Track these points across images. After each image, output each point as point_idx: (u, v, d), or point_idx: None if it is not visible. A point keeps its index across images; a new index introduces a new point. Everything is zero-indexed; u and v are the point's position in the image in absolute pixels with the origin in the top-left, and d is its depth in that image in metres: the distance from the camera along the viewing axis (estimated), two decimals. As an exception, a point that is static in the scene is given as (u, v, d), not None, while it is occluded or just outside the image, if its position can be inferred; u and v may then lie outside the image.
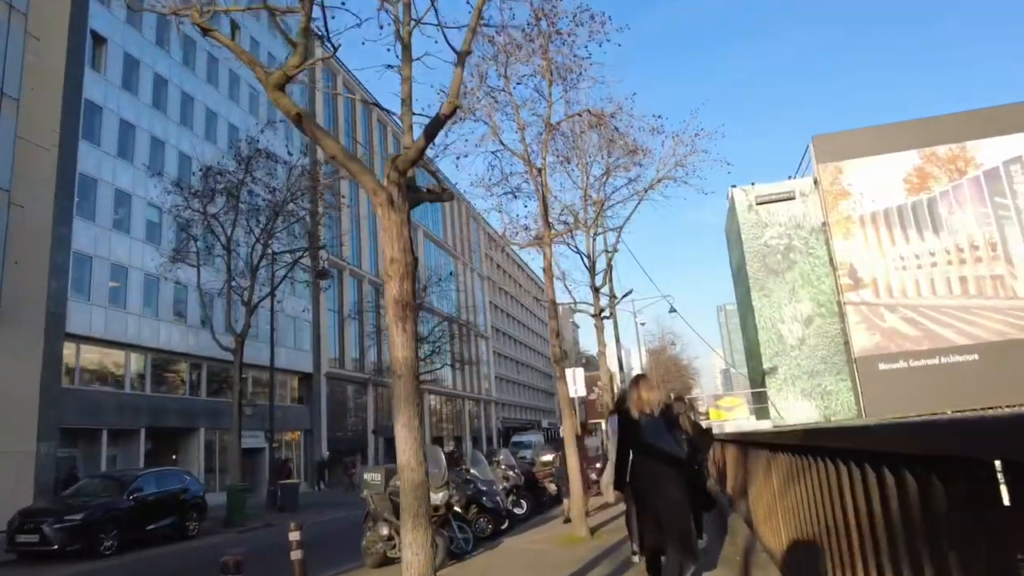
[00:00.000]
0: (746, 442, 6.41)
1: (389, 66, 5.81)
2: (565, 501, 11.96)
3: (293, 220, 24.63)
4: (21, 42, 23.77)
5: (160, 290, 29.22)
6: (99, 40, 28.15)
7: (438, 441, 55.24)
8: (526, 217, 15.22)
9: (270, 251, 24.45)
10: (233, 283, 23.62)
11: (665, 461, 5.12)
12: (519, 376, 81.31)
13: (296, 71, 4.27)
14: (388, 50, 5.15)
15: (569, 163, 17.48)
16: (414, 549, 4.14)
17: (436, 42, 5.48)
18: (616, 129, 12.82)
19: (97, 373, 26.95)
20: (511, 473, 14.71)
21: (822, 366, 29.15)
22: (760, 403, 30.20)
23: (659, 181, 17.56)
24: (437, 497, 9.12)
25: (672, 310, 36.67)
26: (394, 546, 9.25)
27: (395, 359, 4.37)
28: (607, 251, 18.99)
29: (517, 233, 13.11)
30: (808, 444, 3.16)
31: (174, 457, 30.27)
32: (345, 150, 4.46)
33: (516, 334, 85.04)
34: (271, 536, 15.68)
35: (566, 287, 18.30)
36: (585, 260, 17.90)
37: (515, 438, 53.15)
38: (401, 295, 4.39)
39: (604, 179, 17.75)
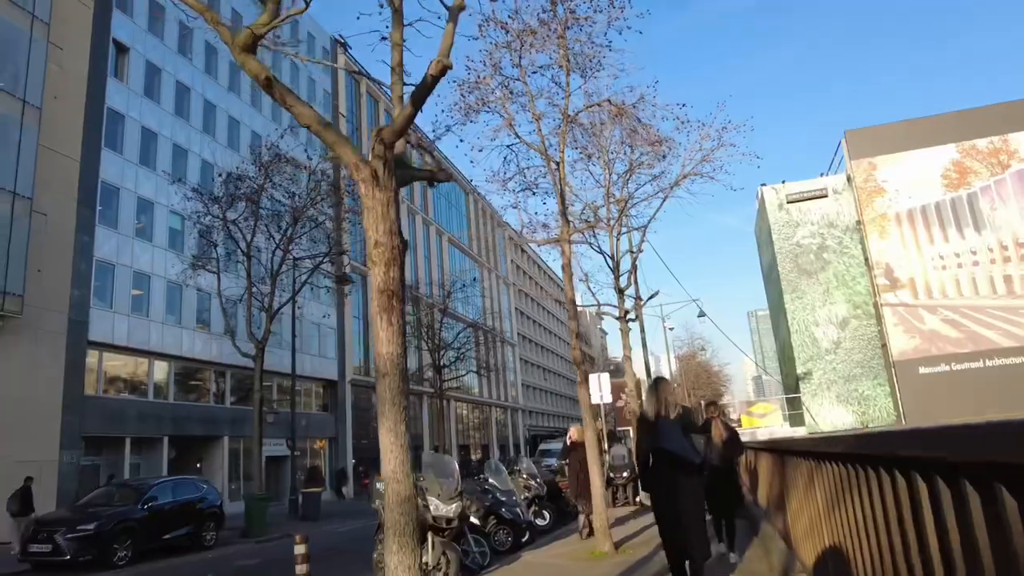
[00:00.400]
0: (783, 450, 5.72)
1: (383, 38, 5.30)
2: (581, 517, 11.21)
3: (313, 225, 24.32)
4: (44, 52, 23.89)
5: (183, 298, 29.18)
6: (122, 48, 28.27)
7: (464, 449, 54.77)
8: (545, 215, 14.67)
9: (290, 257, 24.17)
10: (254, 290, 23.36)
11: (679, 464, 5.18)
12: (546, 383, 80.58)
13: (266, 30, 3.77)
14: (380, 9, 4.63)
15: (590, 159, 16.97)
16: (398, 574, 3.57)
17: (430, 10, 4.96)
18: (639, 120, 12.18)
19: (120, 381, 26.95)
20: (533, 483, 14.11)
21: (859, 370, 28.04)
22: (794, 409, 29.15)
23: (685, 177, 16.95)
24: (450, 509, 8.57)
25: (701, 314, 35.60)
26: (404, 561, 8.68)
27: (379, 355, 3.83)
28: (631, 251, 18.36)
29: (535, 231, 12.52)
30: (864, 452, 2.53)
31: (198, 465, 30.17)
32: (321, 118, 3.94)
33: (543, 341, 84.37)
34: (288, 547, 15.20)
35: (589, 289, 17.60)
36: (609, 260, 17.35)
37: (542, 446, 52.30)
38: (387, 283, 3.86)
39: (627, 176, 17.19)
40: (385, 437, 3.74)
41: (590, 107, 11.58)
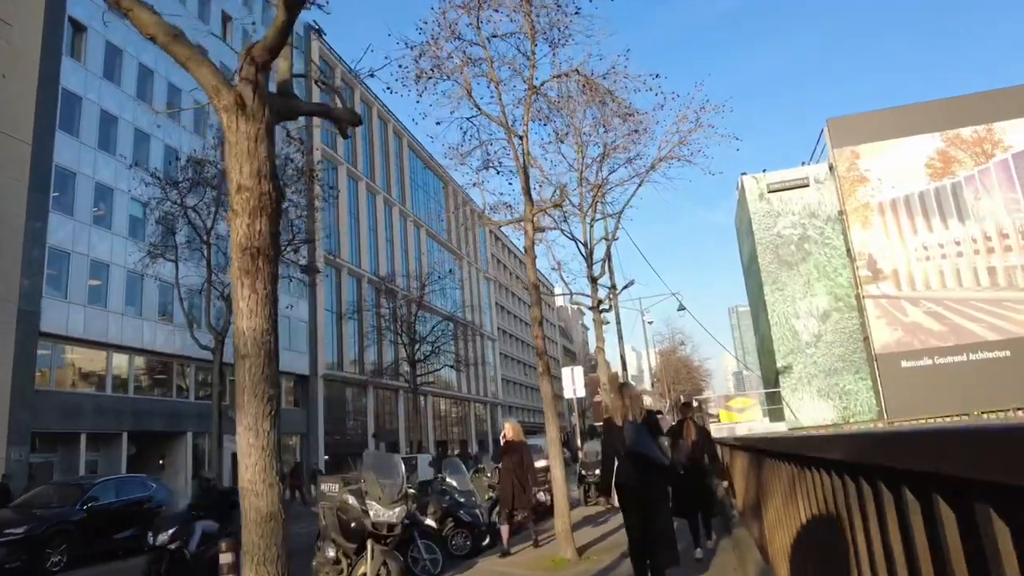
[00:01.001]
0: (759, 450, 4.93)
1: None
2: (503, 528, 9.52)
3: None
4: (-10, 26, 22.63)
5: (144, 289, 27.99)
6: (79, 27, 26.96)
7: (442, 445, 53.86)
8: (511, 195, 13.81)
9: None
10: (214, 279, 22.39)
11: (647, 466, 5.17)
12: (527, 379, 79.83)
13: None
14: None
15: (563, 142, 16.12)
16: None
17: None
18: (610, 93, 11.34)
19: (75, 374, 25.77)
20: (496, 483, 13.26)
21: (840, 364, 27.44)
22: (774, 404, 28.53)
23: (661, 160, 16.20)
24: (392, 514, 7.67)
25: (681, 307, 35.01)
26: (341, 572, 7.83)
27: (238, 331, 2.96)
28: (606, 239, 17.59)
29: (498, 211, 11.63)
30: (874, 462, 1.70)
31: (160, 462, 29.10)
32: (170, 28, 3.02)
33: (525, 336, 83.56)
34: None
35: (562, 278, 16.78)
36: (581, 248, 16.55)
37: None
38: (251, 238, 2.98)
39: (601, 160, 16.40)
40: (244, 436, 2.87)
41: (557, 77, 10.71)
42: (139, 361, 28.16)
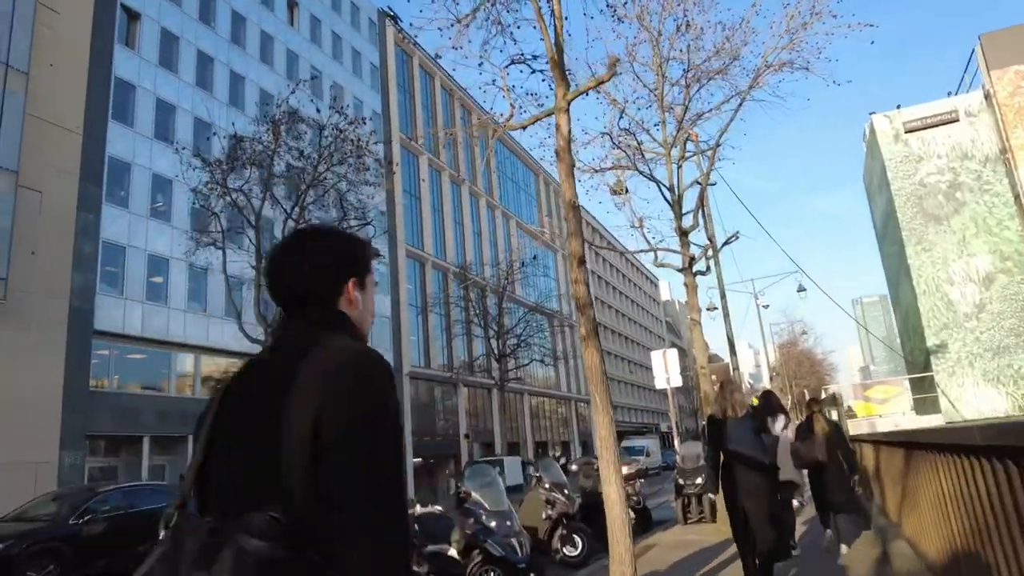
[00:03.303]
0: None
1: None
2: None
3: (323, 190, 21.08)
4: (31, 12, 21.60)
5: (208, 284, 26.60)
6: (132, 15, 25.92)
7: (541, 446, 50.81)
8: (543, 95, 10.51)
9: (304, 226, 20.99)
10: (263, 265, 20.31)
11: (748, 465, 5.10)
12: (632, 377, 75.53)
13: None
14: None
15: (634, 60, 12.81)
16: None
17: None
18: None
19: (136, 375, 24.52)
20: (558, 496, 9.90)
21: (1012, 340, 21.94)
22: (924, 392, 23.38)
23: (767, 68, 12.50)
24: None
25: (801, 289, 30.24)
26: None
27: None
28: (699, 181, 13.95)
29: (523, 111, 8.30)
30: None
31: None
32: None
33: (628, 332, 79.38)
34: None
35: (644, 237, 13.21)
36: (667, 194, 13.01)
37: (625, 443, 47.76)
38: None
39: (687, 79, 12.88)
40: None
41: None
42: (206, 360, 26.73)
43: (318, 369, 1.17)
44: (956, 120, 23.19)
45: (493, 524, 7.68)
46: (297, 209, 20.60)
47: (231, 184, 20.19)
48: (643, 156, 12.79)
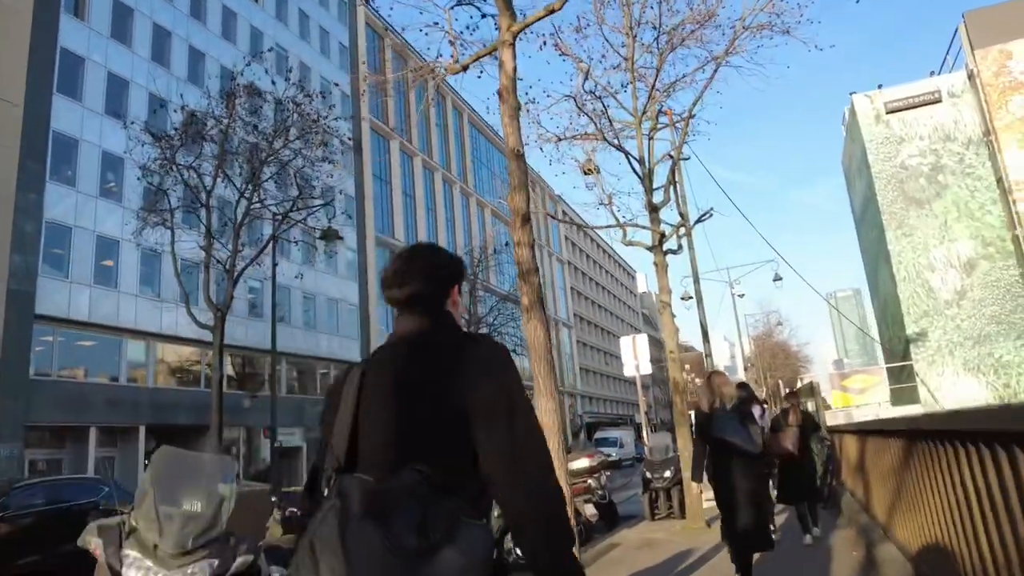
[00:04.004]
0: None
1: None
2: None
3: (280, 167, 19.92)
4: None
5: (162, 268, 25.31)
6: (80, -17, 24.47)
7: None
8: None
9: (257, 206, 20.00)
10: (214, 246, 19.45)
11: (735, 454, 5.18)
12: (608, 368, 74.93)
13: None
14: None
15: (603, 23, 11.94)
16: None
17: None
18: None
19: (84, 362, 23.24)
20: None
21: (993, 328, 21.38)
22: (902, 381, 22.80)
23: (745, 31, 11.62)
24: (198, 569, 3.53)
25: (777, 278, 29.61)
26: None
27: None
28: (671, 155, 13.03)
29: (464, 47, 7.27)
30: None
31: (190, 459, 26.49)
32: None
33: (603, 322, 78.78)
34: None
35: (613, 215, 12.26)
36: (636, 166, 12.08)
37: (599, 434, 47.07)
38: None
39: (660, 43, 11.99)
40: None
41: None
42: (159, 348, 25.50)
43: (465, 356, 1.49)
44: (939, 101, 22.53)
45: None
46: (251, 188, 19.49)
47: (181, 160, 19.12)
48: (611, 124, 11.84)
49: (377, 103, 41.44)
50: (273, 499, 5.44)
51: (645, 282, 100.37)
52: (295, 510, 5.55)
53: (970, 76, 21.99)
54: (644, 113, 12.16)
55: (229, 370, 28.92)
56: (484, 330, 33.50)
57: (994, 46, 21.18)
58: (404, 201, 41.80)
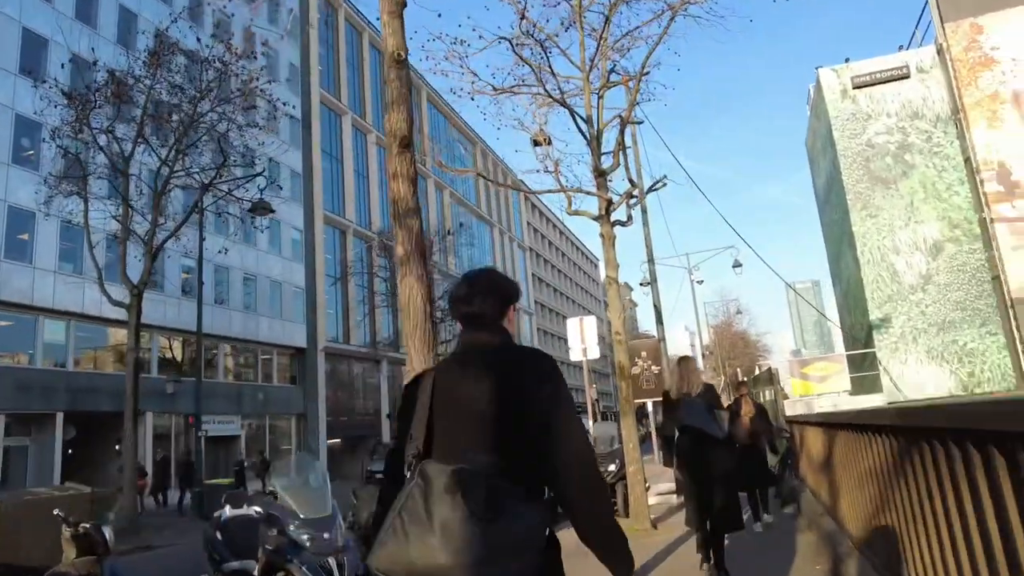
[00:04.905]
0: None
1: None
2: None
3: (204, 131, 18.31)
4: None
5: (83, 243, 23.38)
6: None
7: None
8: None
9: (180, 174, 18.50)
10: (132, 219, 18.05)
11: (702, 440, 5.30)
12: (568, 355, 74.22)
13: None
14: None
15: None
16: None
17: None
18: None
19: (-11, 343, 21.34)
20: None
21: (959, 314, 20.68)
22: (865, 370, 22.08)
23: None
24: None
25: (736, 264, 28.82)
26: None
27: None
28: (621, 116, 11.75)
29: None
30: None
31: (117, 447, 24.66)
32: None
33: (566, 310, 77.88)
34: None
35: (558, 181, 10.93)
36: (583, 127, 10.83)
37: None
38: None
39: None
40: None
41: None
42: (79, 328, 23.61)
43: (525, 366, 1.81)
44: (907, 76, 21.68)
45: (305, 537, 5.39)
46: (173, 154, 17.85)
47: (96, 124, 17.42)
48: (554, 76, 10.53)
49: (329, 76, 39.60)
50: (57, 512, 4.02)
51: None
52: (85, 526, 4.15)
53: (939, 51, 21.17)
54: (592, 67, 10.89)
55: (163, 354, 27.17)
56: (438, 315, 32.25)
57: (965, 19, 20.35)
58: (356, 180, 40.05)
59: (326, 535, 5.46)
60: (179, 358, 27.88)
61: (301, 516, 5.56)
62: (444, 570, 1.49)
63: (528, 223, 70.48)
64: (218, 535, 6.67)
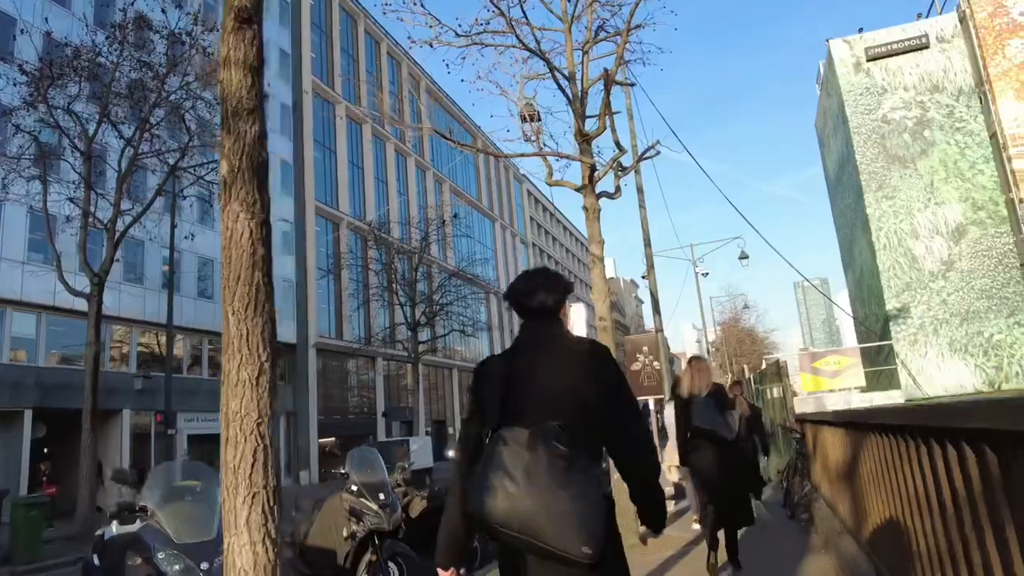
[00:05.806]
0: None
1: None
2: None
3: (171, 109, 17.28)
4: None
5: (56, 232, 22.27)
6: None
7: (440, 424, 47.65)
8: None
9: (149, 155, 17.57)
10: (93, 203, 17.12)
11: (711, 440, 5.43)
12: (574, 353, 73.04)
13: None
14: None
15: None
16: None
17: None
18: None
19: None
20: (368, 505, 6.09)
21: (984, 303, 19.22)
22: (880, 364, 20.65)
23: None
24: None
25: (743, 256, 27.46)
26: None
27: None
28: (607, 76, 10.40)
29: None
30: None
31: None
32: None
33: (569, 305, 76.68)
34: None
35: (540, 148, 9.62)
36: (565, 85, 9.56)
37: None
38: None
39: None
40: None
41: None
42: (52, 322, 22.59)
43: (586, 350, 2.13)
44: (926, 46, 20.24)
45: (177, 568, 4.32)
46: (138, 134, 16.81)
47: (55, 102, 16.44)
48: (528, 23, 9.22)
49: (322, 64, 38.41)
50: None
51: (614, 267, 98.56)
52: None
53: (962, 19, 19.72)
54: (575, 19, 9.62)
55: (140, 348, 26.07)
56: (433, 309, 31.09)
57: (990, -16, 18.95)
58: (351, 171, 38.88)
59: (203, 565, 4.26)
60: (161, 353, 26.79)
61: (175, 540, 4.39)
62: (530, 513, 1.80)
63: (531, 218, 69.27)
64: (95, 559, 5.50)
